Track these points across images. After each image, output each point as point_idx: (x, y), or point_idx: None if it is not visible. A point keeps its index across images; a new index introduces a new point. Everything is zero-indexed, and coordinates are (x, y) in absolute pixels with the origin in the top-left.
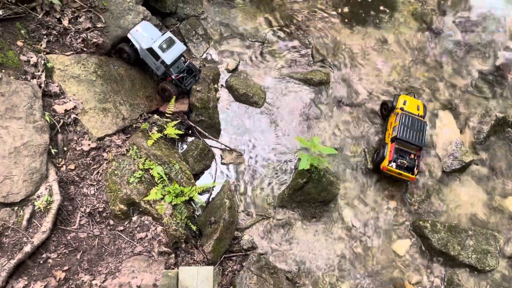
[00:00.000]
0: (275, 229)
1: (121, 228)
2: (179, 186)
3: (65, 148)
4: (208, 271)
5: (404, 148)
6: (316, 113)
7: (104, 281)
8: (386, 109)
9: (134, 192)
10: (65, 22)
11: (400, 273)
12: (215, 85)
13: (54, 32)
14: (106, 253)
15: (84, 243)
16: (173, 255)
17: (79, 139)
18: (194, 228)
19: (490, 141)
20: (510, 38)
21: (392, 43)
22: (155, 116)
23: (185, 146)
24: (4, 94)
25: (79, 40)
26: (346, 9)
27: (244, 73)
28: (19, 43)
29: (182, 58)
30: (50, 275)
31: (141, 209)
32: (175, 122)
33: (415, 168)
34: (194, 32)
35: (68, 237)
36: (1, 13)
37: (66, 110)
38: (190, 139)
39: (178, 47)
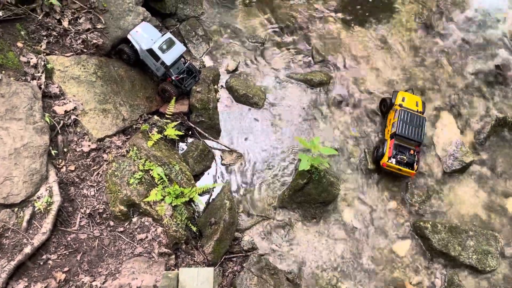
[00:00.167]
0: (276, 230)
1: (121, 229)
2: (179, 187)
3: (65, 149)
4: (209, 272)
5: (404, 144)
6: (316, 113)
7: (104, 282)
8: (385, 106)
9: (134, 193)
10: (65, 23)
11: (401, 274)
12: (215, 86)
13: (54, 33)
14: (106, 254)
15: (84, 244)
16: (173, 256)
17: (79, 140)
18: (194, 229)
19: (491, 141)
20: (510, 38)
21: (391, 44)
22: (155, 117)
23: (185, 147)
24: (4, 95)
25: (79, 41)
26: (346, 10)
27: (244, 74)
28: (19, 44)
29: (182, 59)
30: (50, 276)
31: (141, 210)
32: (175, 123)
33: (415, 164)
34: (194, 33)
35: (68, 238)
36: (1, 14)
37: (66, 111)
38: (190, 140)
39: (178, 48)
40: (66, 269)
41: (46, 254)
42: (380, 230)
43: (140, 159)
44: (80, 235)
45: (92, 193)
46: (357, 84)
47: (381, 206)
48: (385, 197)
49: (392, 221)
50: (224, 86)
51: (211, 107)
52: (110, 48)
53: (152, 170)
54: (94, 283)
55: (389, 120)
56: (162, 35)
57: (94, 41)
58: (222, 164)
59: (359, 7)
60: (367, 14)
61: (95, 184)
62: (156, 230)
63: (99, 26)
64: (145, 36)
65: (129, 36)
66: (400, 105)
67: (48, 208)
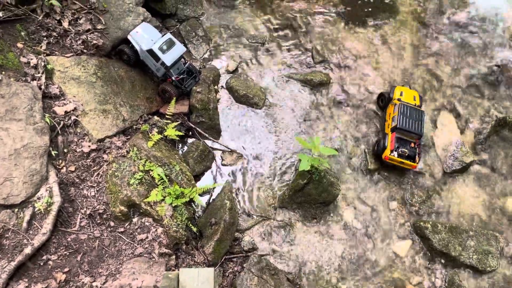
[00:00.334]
0: (276, 230)
1: (122, 229)
2: (180, 187)
3: (65, 150)
4: (209, 272)
5: (404, 137)
6: (316, 114)
7: (104, 283)
8: (383, 101)
9: (134, 193)
10: (65, 24)
11: (401, 274)
12: (215, 87)
13: (54, 33)
14: (107, 255)
15: (85, 244)
16: (173, 257)
17: (79, 140)
18: (194, 229)
19: (491, 141)
20: (509, 38)
21: (392, 44)
22: (155, 117)
23: (185, 148)
24: (4, 96)
25: (79, 42)
26: (346, 10)
27: (244, 74)
28: (19, 45)
29: (182, 59)
30: (50, 277)
31: (141, 211)
32: (175, 124)
33: (416, 156)
34: (194, 33)
35: (69, 239)
36: (1, 15)
37: (66, 112)
38: (190, 140)
39: (178, 49)
40: (66, 269)
41: (46, 255)
42: (380, 230)
43: (140, 160)
44: (81, 235)
45: (92, 193)
46: (357, 84)
47: (381, 206)
48: (385, 197)
49: (392, 221)
50: (225, 86)
51: (211, 107)
52: (110, 48)
53: (152, 170)
54: (94, 284)
55: (389, 114)
56: (162, 36)
57: (94, 41)
58: (223, 165)
59: (359, 7)
60: (367, 14)
61: (95, 185)
62: (156, 230)
63: (99, 26)
64: (145, 36)
65: (129, 37)
66: (399, 99)
67: (48, 209)
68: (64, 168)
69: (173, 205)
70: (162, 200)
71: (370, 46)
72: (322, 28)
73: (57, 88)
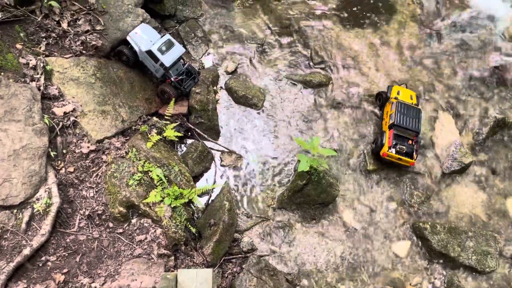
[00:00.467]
0: (275, 231)
1: (121, 230)
2: (179, 188)
3: (64, 151)
4: (207, 273)
5: (402, 134)
6: (315, 114)
7: (103, 284)
8: (381, 100)
9: (133, 194)
10: (64, 25)
11: (400, 275)
12: (214, 87)
13: (53, 34)
14: (106, 256)
15: (84, 245)
16: (172, 258)
17: (78, 141)
18: (193, 230)
19: (490, 142)
20: (508, 39)
21: (390, 45)
22: (154, 118)
23: (184, 148)
24: (3, 96)
25: (78, 43)
26: (345, 11)
27: (243, 75)
28: (18, 46)
29: (181, 60)
30: (49, 278)
31: (140, 212)
32: (174, 124)
33: (414, 153)
34: (193, 34)
35: (68, 240)
36: (0, 16)
37: (65, 113)
38: (189, 141)
39: (177, 50)
40: (65, 270)
41: (45, 256)
42: (379, 231)
43: (139, 161)
44: (79, 236)
45: (91, 194)
46: (356, 85)
47: (380, 207)
48: (384, 198)
49: (391, 222)
50: (224, 87)
51: (210, 108)
52: (109, 49)
53: (151, 171)
54: (93, 285)
55: (386, 112)
56: (161, 37)
57: (93, 42)
58: (222, 165)
59: (358, 8)
60: (366, 15)
61: (94, 186)
62: (155, 231)
63: (98, 27)
64: (144, 37)
65: (128, 38)
66: (396, 98)
67: (47, 210)
68: (63, 169)
69: (172, 206)
70: (161, 201)
71: (369, 47)
72: (321, 29)
73: (56, 89)
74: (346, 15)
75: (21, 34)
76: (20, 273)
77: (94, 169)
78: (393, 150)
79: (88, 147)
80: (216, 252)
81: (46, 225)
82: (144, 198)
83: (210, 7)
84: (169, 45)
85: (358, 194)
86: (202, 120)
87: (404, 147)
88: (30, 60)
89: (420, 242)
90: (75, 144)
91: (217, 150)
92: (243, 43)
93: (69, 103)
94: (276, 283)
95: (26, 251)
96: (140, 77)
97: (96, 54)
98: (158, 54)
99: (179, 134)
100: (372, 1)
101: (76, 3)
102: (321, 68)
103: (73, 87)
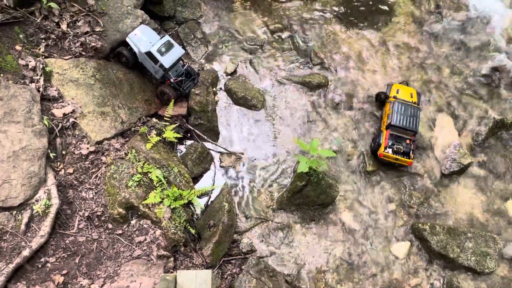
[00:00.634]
0: (274, 232)
1: (120, 231)
2: (178, 189)
3: (63, 152)
4: (206, 274)
5: (399, 134)
6: (314, 116)
7: (102, 285)
8: (381, 100)
9: (132, 195)
10: (64, 26)
11: (400, 276)
12: (214, 89)
13: (53, 36)
14: (105, 257)
15: (83, 247)
16: (172, 259)
17: (78, 143)
18: (193, 231)
19: (489, 143)
20: (507, 40)
21: (390, 46)
22: (154, 119)
23: (184, 150)
24: (2, 98)
25: (77, 44)
26: (344, 12)
27: (243, 76)
28: (18, 47)
29: (181, 61)
30: (48, 279)
31: (139, 213)
32: (174, 126)
33: (411, 153)
34: (192, 35)
35: (67, 241)
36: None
37: (64, 114)
38: (189, 142)
39: (177, 51)
40: (64, 272)
41: (45, 257)
42: (378, 232)
43: (138, 162)
44: (79, 237)
45: (91, 195)
46: (356, 86)
47: (379, 208)
48: (383, 199)
49: (390, 223)
50: (223, 88)
51: (209, 109)
52: (109, 51)
53: (150, 172)
54: (92, 286)
55: (385, 112)
56: (161, 38)
57: (93, 44)
58: (221, 167)
59: (357, 9)
60: (365, 16)
61: (93, 187)
62: (154, 232)
63: (97, 29)
64: (143, 39)
65: (127, 39)
66: (395, 97)
67: (47, 211)
68: (63, 170)
69: (172, 207)
70: (161, 202)
71: (368, 48)
72: (320, 30)
73: (55, 90)
74: (345, 16)
75: (21, 36)
76: (19, 275)
77: (93, 170)
78: (390, 150)
79: (88, 148)
80: (216, 253)
81: (45, 227)
82: (143, 199)
83: (210, 8)
84: (168, 46)
85: (358, 195)
86: (202, 121)
87: (401, 147)
88: (30, 61)
89: (419, 243)
90: (74, 145)
91: (217, 151)
92: (243, 44)
93: (68, 104)
94: (276, 284)
95: (26, 253)
96: (140, 79)
97: (96, 56)
98: (157, 55)
99: (179, 135)
100: (371, 2)
101: (76, 5)
102: (321, 69)
103: (73, 89)
